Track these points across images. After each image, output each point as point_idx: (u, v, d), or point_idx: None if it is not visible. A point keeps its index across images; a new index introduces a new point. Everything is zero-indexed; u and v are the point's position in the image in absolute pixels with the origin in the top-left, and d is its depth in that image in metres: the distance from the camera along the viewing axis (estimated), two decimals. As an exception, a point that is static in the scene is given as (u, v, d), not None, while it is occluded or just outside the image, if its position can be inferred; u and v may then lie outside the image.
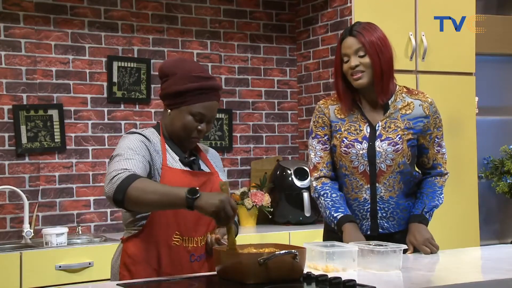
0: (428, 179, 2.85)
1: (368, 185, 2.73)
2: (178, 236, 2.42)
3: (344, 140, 2.74)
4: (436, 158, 2.84)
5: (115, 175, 2.23)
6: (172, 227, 2.41)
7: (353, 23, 4.21)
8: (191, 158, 2.53)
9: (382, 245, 2.41)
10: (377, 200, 2.74)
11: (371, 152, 2.71)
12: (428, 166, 2.85)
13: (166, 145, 2.49)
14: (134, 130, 2.49)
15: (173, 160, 2.47)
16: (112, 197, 2.21)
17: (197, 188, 2.17)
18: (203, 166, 2.57)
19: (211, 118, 2.50)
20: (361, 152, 2.71)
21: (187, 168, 2.49)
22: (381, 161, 2.71)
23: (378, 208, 2.75)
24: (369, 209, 2.75)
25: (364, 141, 2.72)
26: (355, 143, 2.72)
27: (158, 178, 2.40)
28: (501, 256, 2.77)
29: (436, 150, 2.83)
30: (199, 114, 2.45)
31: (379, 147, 2.71)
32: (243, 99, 4.75)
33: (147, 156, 2.38)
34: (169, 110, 2.50)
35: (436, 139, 2.81)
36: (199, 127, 2.47)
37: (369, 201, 2.74)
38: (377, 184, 2.73)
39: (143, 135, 2.44)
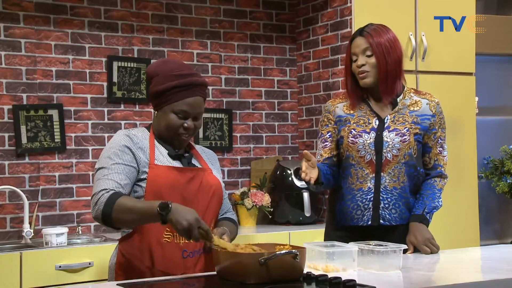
0: (428, 181, 2.89)
1: (373, 174, 2.78)
2: (168, 233, 2.43)
3: (352, 131, 2.80)
4: (438, 159, 2.88)
5: (97, 200, 2.35)
6: (161, 224, 2.41)
7: (353, 23, 4.29)
8: (184, 154, 2.55)
9: (382, 245, 2.41)
10: (381, 189, 2.78)
11: (379, 142, 2.77)
12: (430, 166, 2.88)
13: (155, 141, 2.51)
14: (121, 130, 2.54)
15: (161, 155, 2.49)
16: (102, 222, 2.37)
17: (168, 202, 2.22)
18: (195, 162, 2.58)
19: (196, 114, 2.50)
20: (368, 141, 2.77)
21: (176, 163, 2.50)
22: (387, 151, 2.77)
23: (381, 198, 2.78)
24: (372, 199, 2.78)
25: (372, 131, 2.79)
26: (363, 134, 2.79)
27: (145, 175, 2.43)
28: (501, 256, 2.77)
29: (439, 150, 2.88)
30: (181, 111, 2.47)
31: (386, 137, 2.77)
32: (243, 99, 4.75)
33: (130, 160, 2.43)
34: (155, 112, 2.54)
35: (439, 139, 2.87)
36: (185, 124, 2.48)
37: (372, 190, 2.79)
38: (382, 173, 2.78)
39: (127, 136, 2.48)
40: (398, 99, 2.83)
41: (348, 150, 2.81)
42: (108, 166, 2.41)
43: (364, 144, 2.77)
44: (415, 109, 2.83)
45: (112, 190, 2.35)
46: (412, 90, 2.89)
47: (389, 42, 2.77)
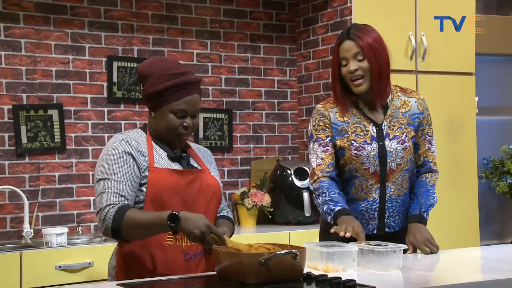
0: (419, 178, 2.87)
1: (378, 185, 2.74)
2: (171, 236, 2.42)
3: (353, 143, 2.73)
4: (427, 155, 2.85)
5: (104, 216, 2.33)
6: None
7: (352, 23, 4.28)
8: (182, 154, 2.53)
9: (382, 245, 2.41)
10: (386, 199, 2.75)
11: (382, 152, 2.73)
12: (419, 163, 2.87)
13: (153, 143, 2.49)
14: (118, 134, 2.50)
15: (160, 158, 2.46)
16: (112, 237, 2.36)
17: (176, 213, 2.22)
18: (193, 162, 2.56)
19: (194, 112, 2.48)
20: (372, 153, 2.72)
21: (175, 165, 2.48)
22: (391, 160, 2.73)
23: (386, 207, 2.76)
24: (377, 209, 2.76)
25: (373, 141, 2.73)
26: (365, 145, 2.72)
27: (145, 179, 2.40)
28: (501, 256, 2.77)
29: (427, 147, 2.84)
30: (181, 111, 2.44)
31: (389, 147, 2.73)
32: (243, 99, 4.75)
33: (131, 167, 2.40)
34: (152, 113, 2.49)
35: (427, 136, 2.83)
36: (184, 123, 2.45)
37: (378, 201, 2.75)
38: (387, 183, 2.74)
39: (125, 140, 2.44)
40: (387, 101, 2.78)
41: (352, 162, 2.74)
42: (110, 177, 2.38)
43: (368, 156, 2.71)
44: (406, 110, 2.79)
45: (118, 203, 2.34)
46: (398, 89, 2.83)
47: (377, 43, 2.69)
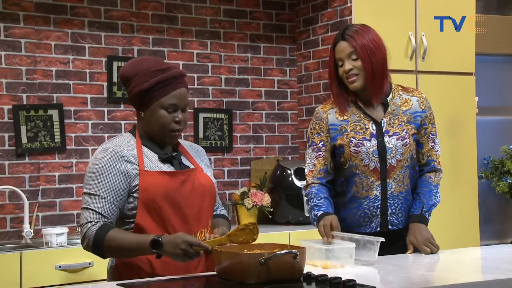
0: (422, 177, 2.87)
1: (379, 182, 2.75)
2: None
3: (352, 140, 2.75)
4: (431, 154, 2.86)
5: (84, 233, 2.37)
6: (159, 231, 2.38)
7: (353, 23, 4.29)
8: (173, 154, 2.51)
9: (356, 238, 2.47)
10: (388, 196, 2.76)
11: (382, 149, 2.74)
12: (423, 162, 2.87)
13: (143, 147, 2.46)
14: (105, 143, 2.48)
15: (150, 162, 2.44)
16: (93, 253, 2.40)
17: (158, 238, 2.28)
18: (185, 161, 2.54)
19: (184, 106, 2.47)
20: (371, 149, 2.73)
21: (166, 166, 2.45)
22: (391, 157, 2.74)
23: (388, 204, 2.77)
24: (379, 206, 2.77)
25: (373, 138, 2.75)
26: (364, 141, 2.74)
27: (137, 187, 2.39)
28: (501, 256, 2.77)
29: (431, 146, 2.85)
30: (171, 105, 2.43)
31: (388, 143, 2.74)
32: (243, 99, 4.75)
33: (117, 181, 2.39)
34: (142, 113, 2.47)
35: (430, 134, 2.84)
36: (176, 118, 2.44)
37: (379, 198, 2.76)
38: (387, 180, 2.76)
39: (112, 150, 2.41)
40: (388, 99, 2.80)
41: (351, 159, 2.75)
42: (94, 192, 2.38)
43: (368, 152, 2.73)
44: (407, 108, 2.80)
45: (98, 221, 2.36)
46: (400, 88, 2.85)
47: (372, 43, 2.72)
